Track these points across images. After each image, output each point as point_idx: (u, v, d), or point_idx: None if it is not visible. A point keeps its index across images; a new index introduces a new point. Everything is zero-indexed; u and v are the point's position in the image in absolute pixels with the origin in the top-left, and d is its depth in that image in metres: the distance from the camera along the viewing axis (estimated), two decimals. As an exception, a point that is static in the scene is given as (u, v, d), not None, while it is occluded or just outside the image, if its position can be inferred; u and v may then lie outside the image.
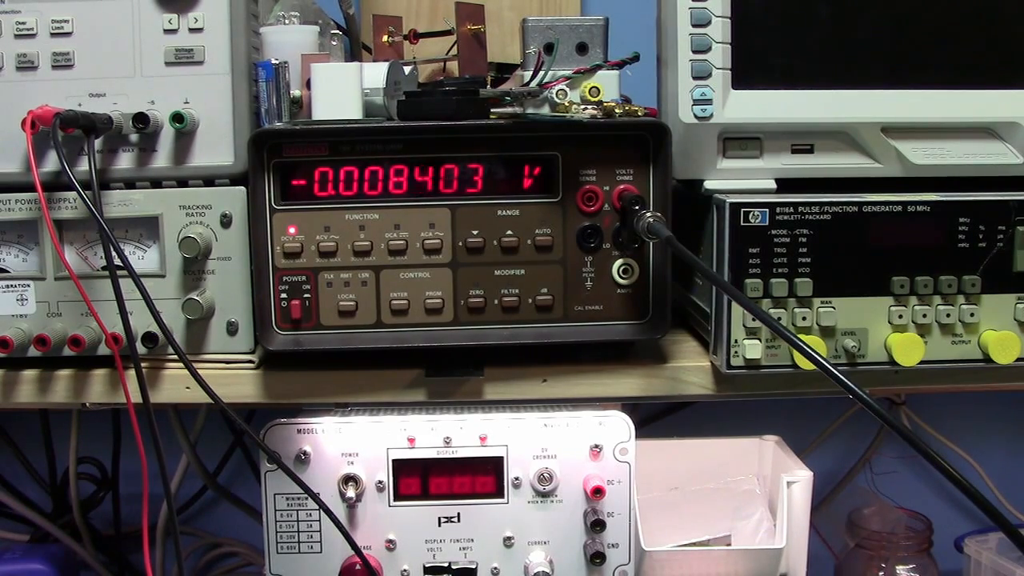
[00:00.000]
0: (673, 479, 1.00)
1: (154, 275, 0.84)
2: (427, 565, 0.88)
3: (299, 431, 0.87)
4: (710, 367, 0.86)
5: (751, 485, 1.01)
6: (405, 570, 0.88)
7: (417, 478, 0.88)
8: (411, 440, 0.87)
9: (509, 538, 0.88)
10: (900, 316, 0.82)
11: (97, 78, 0.83)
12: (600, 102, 0.82)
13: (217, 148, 0.84)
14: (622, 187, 0.83)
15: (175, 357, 0.83)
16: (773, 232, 0.80)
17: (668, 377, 0.86)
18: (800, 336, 0.80)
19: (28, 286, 0.84)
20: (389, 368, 0.85)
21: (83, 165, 0.80)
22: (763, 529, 0.96)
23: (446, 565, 0.88)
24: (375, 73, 0.86)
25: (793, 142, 0.87)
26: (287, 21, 0.89)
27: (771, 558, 0.91)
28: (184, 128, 0.82)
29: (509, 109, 0.82)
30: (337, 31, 0.94)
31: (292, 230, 0.82)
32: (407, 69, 0.93)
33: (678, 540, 0.96)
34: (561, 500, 0.88)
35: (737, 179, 0.86)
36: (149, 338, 0.83)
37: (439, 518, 0.88)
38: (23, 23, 0.82)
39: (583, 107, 0.82)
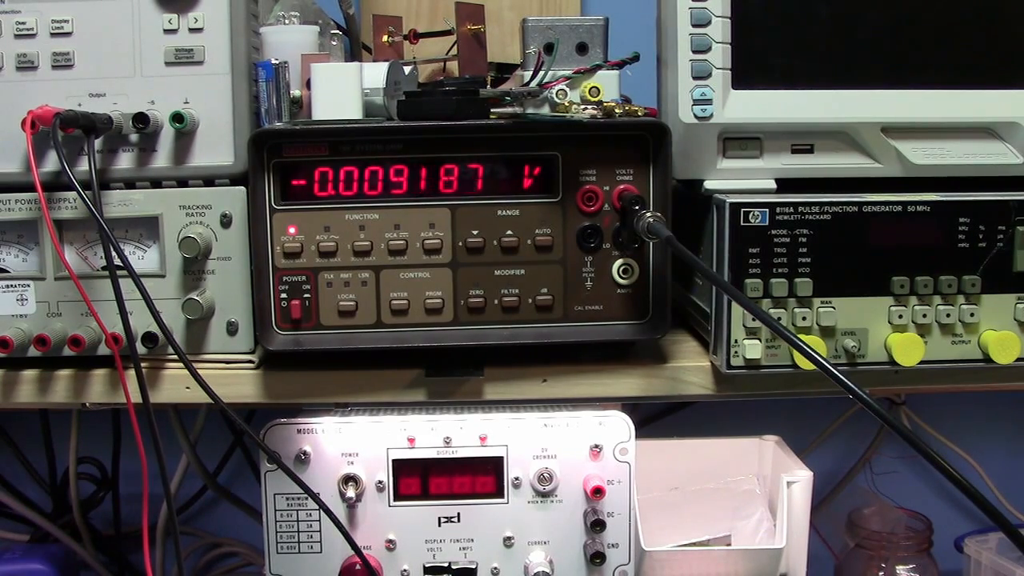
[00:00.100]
0: (673, 479, 1.00)
1: (154, 275, 0.84)
2: (427, 565, 0.88)
3: (299, 431, 0.87)
4: (710, 367, 0.86)
5: (751, 485, 1.01)
6: (405, 570, 0.88)
7: (417, 478, 0.88)
8: (411, 440, 0.87)
9: (509, 538, 0.88)
10: (900, 316, 0.82)
11: (97, 78, 0.83)
12: (600, 102, 0.82)
13: (217, 148, 0.84)
14: (622, 187, 0.83)
15: (175, 357, 0.83)
16: (773, 232, 0.80)
17: (668, 377, 0.86)
18: (800, 336, 0.80)
19: (28, 286, 0.84)
20: (389, 368, 0.85)
21: (83, 165, 0.80)
22: (763, 529, 0.96)
23: (446, 565, 0.88)
24: (375, 73, 0.86)
25: (793, 142, 0.87)
26: (287, 21, 0.89)
27: (771, 558, 0.91)
28: (184, 128, 0.82)
29: (509, 109, 0.82)
30: (337, 31, 0.94)
31: (292, 230, 0.82)
32: (407, 69, 0.93)
33: (678, 540, 0.96)
34: (561, 500, 0.88)
35: (737, 179, 0.86)
36: (149, 338, 0.83)
37: (439, 518, 0.88)
38: (23, 23, 0.82)
39: (583, 107, 0.82)
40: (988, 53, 0.87)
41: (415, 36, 1.06)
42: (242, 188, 0.83)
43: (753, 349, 0.81)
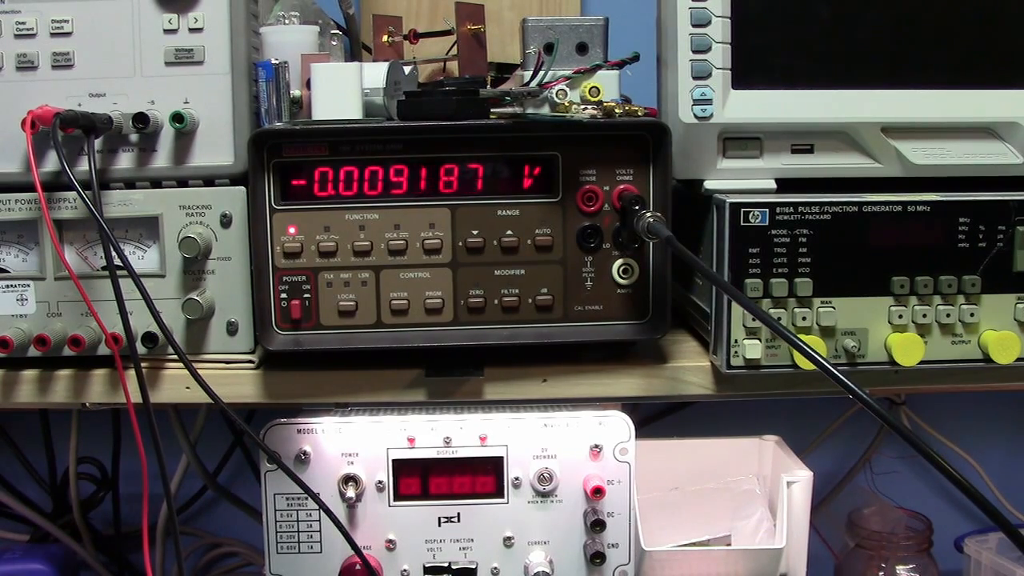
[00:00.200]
0: (673, 479, 1.00)
1: (154, 275, 0.84)
2: (427, 565, 0.88)
3: (299, 431, 0.87)
4: (710, 367, 0.86)
5: (751, 485, 1.01)
6: (405, 570, 0.88)
7: (417, 478, 0.88)
8: (411, 440, 0.87)
9: (509, 538, 0.88)
10: (900, 316, 0.82)
11: (97, 78, 0.83)
12: (600, 102, 0.82)
13: (217, 148, 0.84)
14: (622, 187, 0.83)
15: (175, 357, 0.83)
16: (773, 232, 0.80)
17: (668, 377, 0.86)
18: (800, 336, 0.80)
19: (28, 286, 0.84)
20: (389, 368, 0.85)
21: (83, 165, 0.80)
22: (763, 529, 0.96)
23: (446, 565, 0.88)
24: (375, 73, 0.86)
25: (793, 142, 0.87)
26: (287, 21, 0.89)
27: (771, 558, 0.91)
28: (184, 128, 0.82)
29: (509, 109, 0.82)
30: (337, 31, 0.94)
31: (292, 230, 0.82)
32: (407, 69, 0.93)
33: (678, 540, 0.96)
34: (561, 500, 0.88)
35: (737, 179, 0.86)
36: (149, 338, 0.83)
37: (439, 518, 0.88)
38: (23, 23, 0.82)
39: (583, 107, 0.82)
40: (988, 53, 0.87)
41: (415, 36, 1.06)
42: (242, 188, 0.83)
43: (753, 349, 0.81)
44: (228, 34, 0.83)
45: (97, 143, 0.82)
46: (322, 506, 0.82)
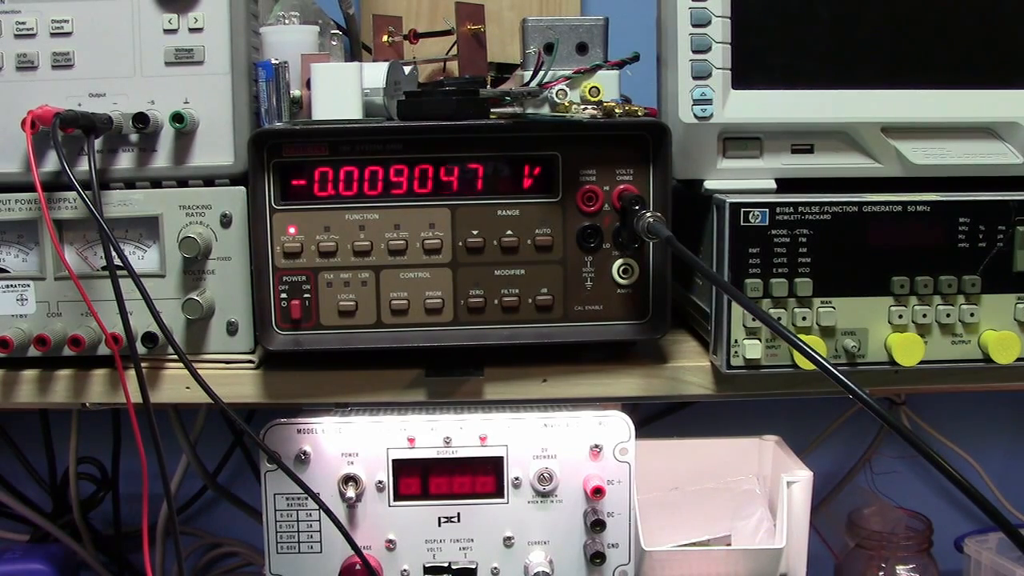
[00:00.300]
0: (673, 479, 1.00)
1: (154, 275, 0.84)
2: (427, 565, 0.88)
3: (299, 431, 0.87)
4: (710, 367, 0.86)
5: (751, 485, 1.01)
6: (405, 570, 0.88)
7: (417, 478, 0.88)
8: (411, 440, 0.87)
9: (509, 538, 0.88)
10: (900, 316, 0.82)
11: (97, 78, 0.83)
12: (600, 102, 0.82)
13: (217, 148, 0.84)
14: (622, 187, 0.83)
15: (175, 357, 0.83)
16: (773, 232, 0.80)
17: (668, 377, 0.86)
18: (800, 336, 0.80)
19: (28, 286, 0.84)
20: (389, 368, 0.85)
21: (83, 165, 0.80)
22: (763, 529, 0.96)
23: (446, 565, 0.88)
24: (375, 73, 0.86)
25: (793, 142, 0.87)
26: (287, 21, 0.89)
27: (771, 558, 0.91)
28: (184, 128, 0.82)
29: (509, 109, 0.82)
30: (337, 31, 0.94)
31: (292, 230, 0.82)
32: (407, 69, 0.93)
33: (678, 540, 0.96)
34: (561, 500, 0.88)
35: (737, 179, 0.86)
36: (149, 338, 0.83)
37: (439, 518, 0.88)
38: (23, 23, 0.82)
39: (583, 107, 0.82)
40: (988, 53, 0.87)
41: (415, 36, 1.06)
42: (242, 188, 0.83)
43: (753, 349, 0.81)
44: (228, 34, 0.83)
45: (97, 143, 0.82)
46: (322, 506, 0.82)
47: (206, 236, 0.83)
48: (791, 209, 0.80)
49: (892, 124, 0.86)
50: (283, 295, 0.82)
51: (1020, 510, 1.29)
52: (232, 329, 0.85)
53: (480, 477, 0.88)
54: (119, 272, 0.78)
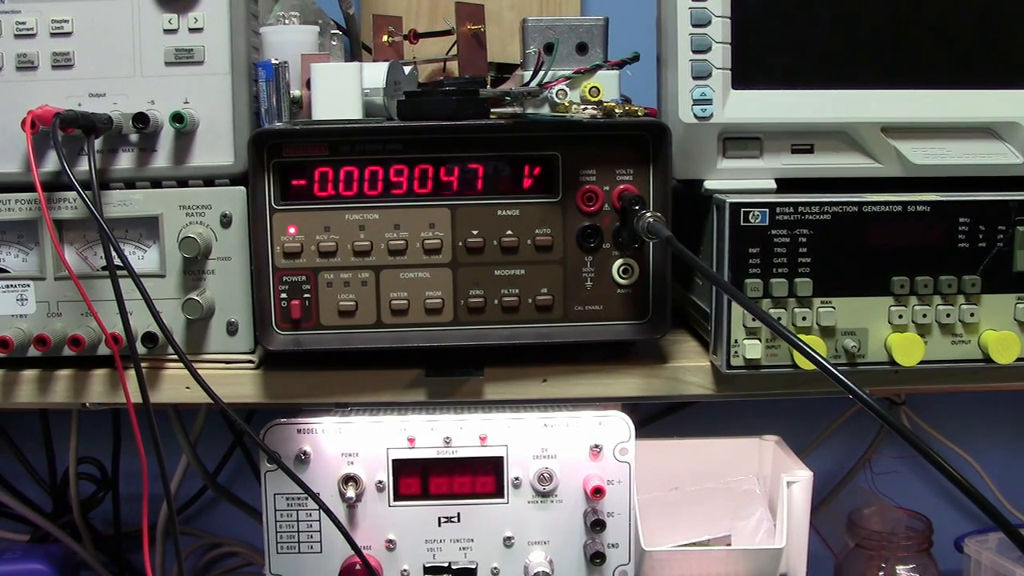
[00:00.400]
0: (673, 479, 1.00)
1: (154, 275, 0.84)
2: (427, 565, 0.88)
3: (299, 431, 0.87)
4: (710, 367, 0.86)
5: (751, 485, 1.01)
6: (405, 570, 0.88)
7: (417, 478, 0.88)
8: (411, 440, 0.87)
9: (509, 538, 0.88)
10: (900, 316, 0.82)
11: (97, 78, 0.83)
12: (600, 102, 0.82)
13: (217, 148, 0.84)
14: (622, 187, 0.83)
15: (175, 357, 0.83)
16: (773, 232, 0.80)
17: (668, 377, 0.86)
18: (800, 336, 0.80)
19: (28, 286, 0.84)
20: (389, 368, 0.85)
21: (83, 165, 0.80)
22: (763, 529, 0.96)
23: (446, 565, 0.88)
24: (375, 73, 0.86)
25: (793, 142, 0.87)
26: (287, 21, 0.89)
27: (771, 558, 0.91)
28: (184, 128, 0.82)
29: (509, 109, 0.82)
30: (337, 31, 0.94)
31: (292, 230, 0.82)
32: (407, 69, 0.93)
33: (678, 540, 0.96)
34: (561, 500, 0.88)
35: (737, 179, 0.86)
36: (149, 338, 0.83)
37: (439, 518, 0.88)
38: (23, 23, 0.82)
39: (583, 107, 0.82)
40: (988, 53, 0.87)
41: (415, 36, 1.06)
42: (242, 188, 0.83)
43: (753, 349, 0.81)
44: (228, 34, 0.83)
45: (97, 143, 0.82)
46: (322, 506, 0.82)
47: (206, 236, 0.83)
48: (791, 209, 0.80)
49: (892, 124, 0.86)
50: (283, 295, 0.82)
51: (1020, 510, 1.29)
52: (232, 329, 0.85)
53: (480, 477, 0.88)
54: (119, 272, 0.78)
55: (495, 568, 0.88)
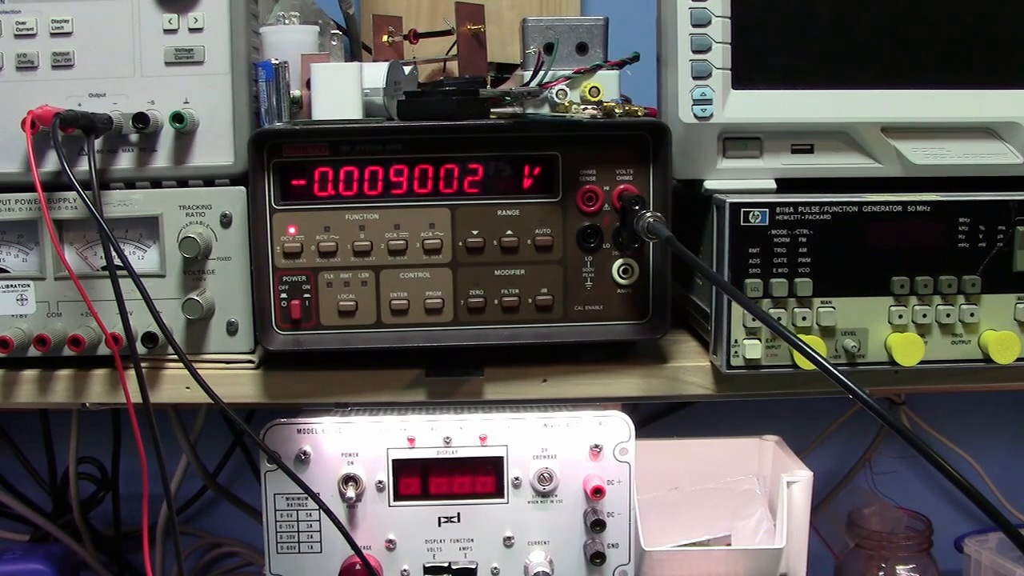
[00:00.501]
0: (673, 479, 1.00)
1: (154, 275, 0.84)
2: (427, 565, 0.88)
3: (299, 431, 0.87)
4: (710, 367, 0.86)
5: (751, 485, 1.01)
6: (405, 570, 0.88)
7: (417, 478, 0.88)
8: (411, 440, 0.87)
9: (509, 538, 0.88)
10: (900, 316, 0.82)
11: (97, 78, 0.83)
12: (600, 102, 0.82)
13: (217, 148, 0.84)
14: (622, 187, 0.83)
15: (175, 357, 0.83)
16: (773, 232, 0.80)
17: (668, 377, 0.86)
18: (800, 336, 0.80)
19: (28, 286, 0.84)
20: (389, 368, 0.85)
21: (83, 165, 0.80)
22: (763, 529, 0.96)
23: (446, 565, 0.88)
24: (375, 73, 0.86)
25: (793, 142, 0.87)
26: (287, 21, 0.89)
27: (771, 558, 0.91)
28: (184, 128, 0.82)
29: (509, 109, 0.82)
30: (337, 31, 0.94)
31: (292, 230, 0.82)
32: (407, 69, 0.93)
33: (678, 540, 0.96)
34: (561, 500, 0.88)
35: (737, 179, 0.86)
36: (149, 338, 0.83)
37: (439, 518, 0.88)
38: (23, 23, 0.82)
39: (583, 107, 0.82)
40: (988, 53, 0.87)
41: (415, 36, 1.06)
42: (242, 188, 0.83)
43: (753, 349, 0.81)
44: (228, 34, 0.83)
45: (97, 143, 0.82)
46: (322, 506, 0.82)
47: (206, 236, 0.83)
48: (791, 209, 0.80)
49: (892, 124, 0.86)
50: (283, 295, 0.82)
51: (1020, 510, 1.29)
52: (232, 329, 0.85)
53: (480, 477, 0.88)
54: (119, 272, 0.78)
55: (495, 568, 0.88)
